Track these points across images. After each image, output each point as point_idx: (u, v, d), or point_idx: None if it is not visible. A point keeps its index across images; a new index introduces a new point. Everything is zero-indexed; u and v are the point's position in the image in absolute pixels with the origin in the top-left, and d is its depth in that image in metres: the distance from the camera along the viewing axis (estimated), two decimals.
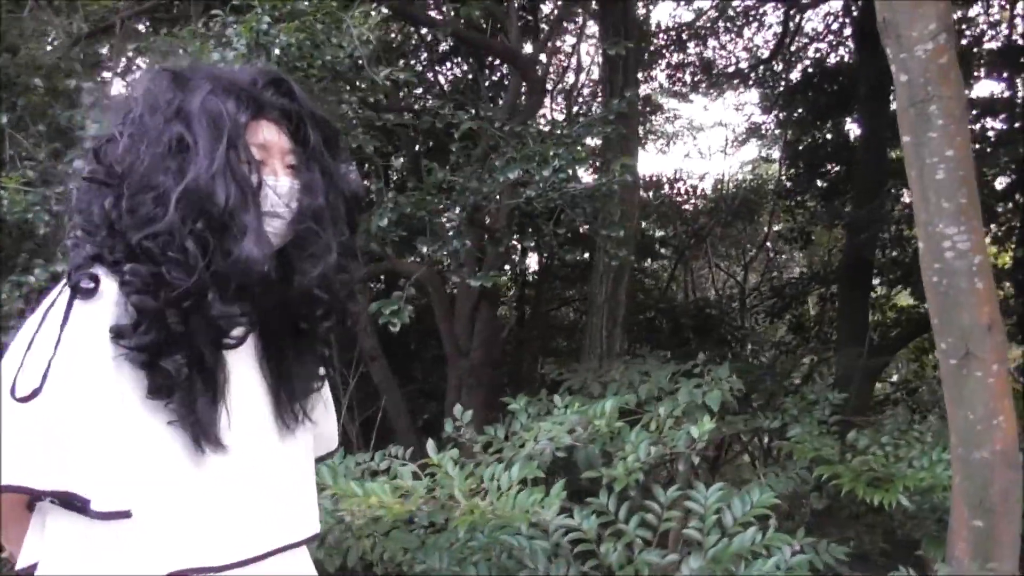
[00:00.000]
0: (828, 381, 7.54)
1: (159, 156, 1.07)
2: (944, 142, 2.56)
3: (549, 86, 12.23)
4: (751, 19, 11.92)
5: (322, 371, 1.29)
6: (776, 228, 10.76)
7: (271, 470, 1.18)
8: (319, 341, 1.25)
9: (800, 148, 9.41)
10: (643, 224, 12.59)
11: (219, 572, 1.08)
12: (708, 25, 12.60)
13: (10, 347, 1.06)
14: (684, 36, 12.77)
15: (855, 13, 8.66)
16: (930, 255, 2.70)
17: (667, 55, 13.23)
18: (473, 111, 3.96)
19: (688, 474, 2.91)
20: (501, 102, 5.87)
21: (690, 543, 2.68)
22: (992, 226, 9.06)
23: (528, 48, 6.46)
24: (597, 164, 6.91)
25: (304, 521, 1.22)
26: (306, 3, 2.73)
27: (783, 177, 10.04)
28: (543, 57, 7.70)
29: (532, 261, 10.12)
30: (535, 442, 2.91)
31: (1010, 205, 8.99)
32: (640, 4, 11.67)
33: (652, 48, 12.73)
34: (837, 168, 9.20)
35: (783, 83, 11.05)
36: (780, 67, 11.68)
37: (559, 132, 3.84)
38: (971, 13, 9.66)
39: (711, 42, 12.90)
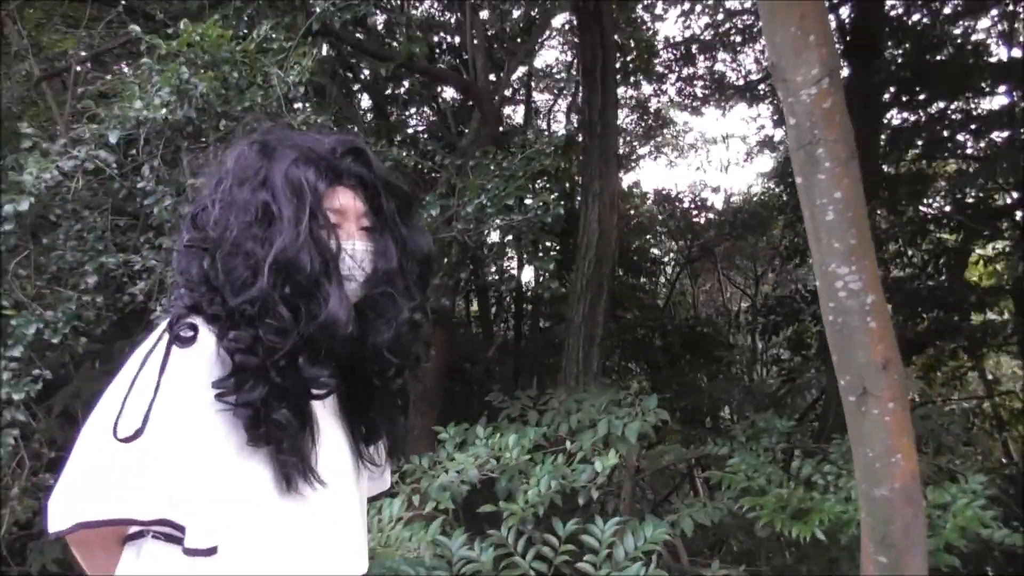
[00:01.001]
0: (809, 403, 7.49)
1: (246, 224, 1.17)
2: (832, 184, 2.59)
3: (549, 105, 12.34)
4: (754, 32, 11.91)
5: (398, 418, 1.37)
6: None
7: (349, 510, 1.27)
8: (396, 392, 1.33)
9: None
10: (649, 238, 12.66)
11: None
12: (716, 38, 12.62)
13: (107, 392, 1.14)
14: (693, 50, 12.81)
15: (847, 27, 8.62)
16: (825, 294, 2.73)
17: (676, 69, 13.28)
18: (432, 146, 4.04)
19: (591, 505, 2.96)
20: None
21: None
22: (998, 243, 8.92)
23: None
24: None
25: (363, 557, 1.31)
26: (227, 53, 2.88)
27: (781, 191, 9.99)
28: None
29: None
30: (447, 474, 2.99)
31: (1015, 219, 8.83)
32: (646, 18, 11.72)
33: (659, 62, 12.81)
34: None
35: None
36: None
37: (500, 165, 3.93)
38: (981, 25, 9.56)
39: (721, 55, 12.92)
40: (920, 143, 8.09)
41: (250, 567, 1.12)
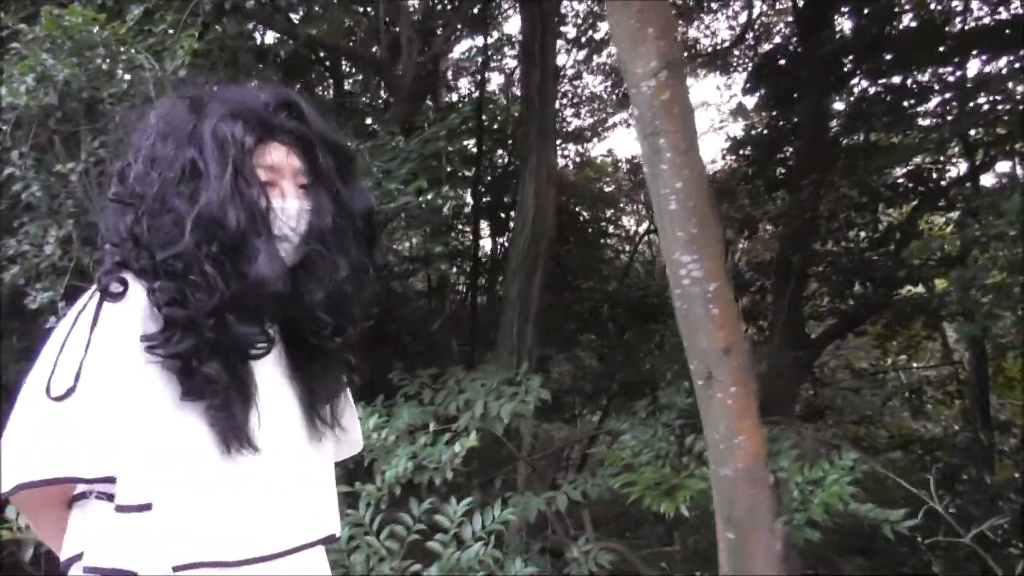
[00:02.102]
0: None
1: (171, 181, 1.14)
2: (673, 174, 2.64)
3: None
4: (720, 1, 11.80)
5: (346, 377, 1.35)
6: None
7: (297, 472, 1.23)
8: (336, 352, 1.29)
9: (752, 132, 9.35)
10: (623, 206, 12.67)
11: (235, 567, 1.13)
12: (689, 4, 12.51)
13: (43, 351, 1.12)
14: None
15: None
16: (673, 281, 2.80)
17: None
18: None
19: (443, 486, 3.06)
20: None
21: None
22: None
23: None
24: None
25: (322, 521, 1.27)
26: (97, 37, 2.89)
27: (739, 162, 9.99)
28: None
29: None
30: None
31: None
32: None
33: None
34: (791, 156, 9.13)
35: (750, 65, 10.95)
36: (751, 49, 11.59)
37: (395, 146, 3.96)
38: None
39: (695, 22, 12.81)
40: (872, 114, 8.06)
41: (188, 524, 1.10)
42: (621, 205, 12.87)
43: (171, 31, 3.22)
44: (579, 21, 11.32)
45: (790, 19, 11.71)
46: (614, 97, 14.61)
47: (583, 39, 11.70)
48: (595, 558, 3.06)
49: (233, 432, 1.13)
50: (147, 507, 1.09)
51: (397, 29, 5.80)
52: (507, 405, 3.33)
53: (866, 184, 7.83)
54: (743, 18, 12.10)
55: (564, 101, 13.30)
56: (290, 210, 1.19)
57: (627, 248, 12.14)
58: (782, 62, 9.83)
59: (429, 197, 3.74)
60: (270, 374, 1.22)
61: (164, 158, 1.15)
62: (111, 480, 1.08)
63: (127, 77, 2.94)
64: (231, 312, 1.12)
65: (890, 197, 7.45)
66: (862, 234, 7.88)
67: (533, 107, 6.58)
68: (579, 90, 13.78)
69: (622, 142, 19.36)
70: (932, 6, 8.86)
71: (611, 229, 12.54)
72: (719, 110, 15.06)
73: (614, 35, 2.69)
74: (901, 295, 7.22)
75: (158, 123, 1.20)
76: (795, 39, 9.36)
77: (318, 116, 1.26)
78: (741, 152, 9.39)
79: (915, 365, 11.11)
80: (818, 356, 7.97)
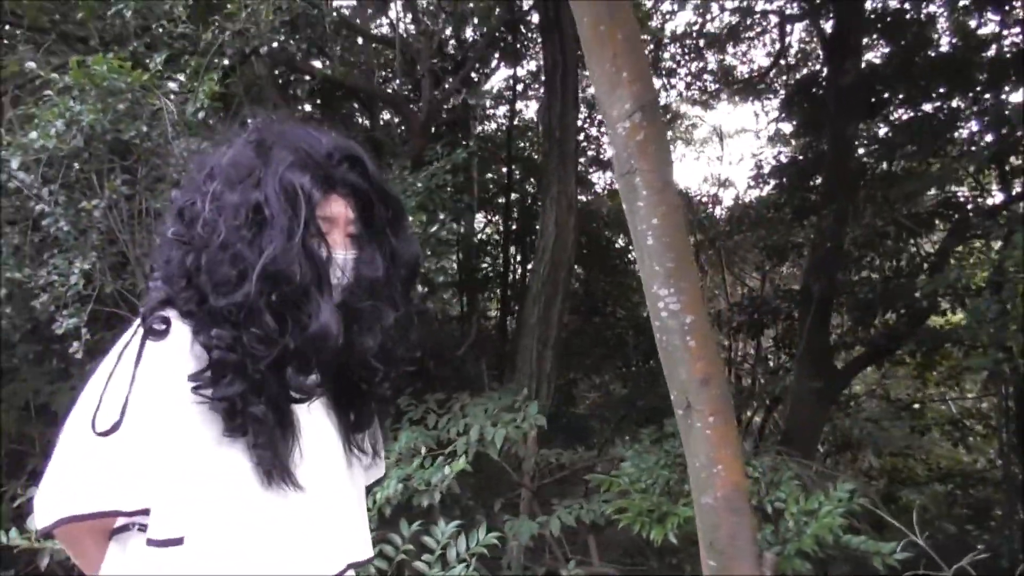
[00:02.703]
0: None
1: (236, 227, 1.15)
2: (649, 211, 2.74)
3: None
4: (757, 28, 11.85)
5: (382, 411, 1.42)
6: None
7: (334, 502, 1.28)
8: (382, 394, 1.35)
9: (784, 160, 9.34)
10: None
11: None
12: (724, 32, 12.59)
13: (87, 387, 1.15)
14: (701, 44, 12.80)
15: (827, 29, 8.56)
16: (652, 314, 2.89)
17: (685, 63, 13.26)
18: None
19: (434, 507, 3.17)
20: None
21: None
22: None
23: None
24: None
25: (355, 547, 1.32)
26: (122, 84, 3.14)
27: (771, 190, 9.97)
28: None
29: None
30: None
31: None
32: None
33: (667, 56, 12.82)
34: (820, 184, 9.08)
35: (783, 93, 10.95)
36: (785, 76, 11.59)
37: (405, 180, 4.13)
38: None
39: (730, 48, 12.89)
40: (899, 143, 8.00)
41: (223, 557, 1.12)
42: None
43: (194, 75, 3.46)
44: None
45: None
46: None
47: None
48: None
49: (276, 468, 1.16)
50: (178, 542, 1.12)
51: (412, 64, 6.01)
52: (500, 430, 3.44)
53: (891, 213, 7.75)
54: (780, 45, 12.12)
55: (603, 129, 13.47)
56: (347, 262, 1.24)
57: None
58: (814, 90, 9.83)
59: (434, 228, 3.90)
60: (312, 408, 1.26)
61: (230, 204, 1.17)
62: (149, 512, 1.12)
63: (148, 122, 3.18)
64: (288, 363, 1.15)
65: (913, 227, 7.36)
66: (886, 264, 7.80)
67: (554, 137, 6.74)
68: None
69: None
70: (973, 25, 8.74)
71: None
72: (757, 136, 15.06)
73: (592, 79, 2.82)
74: (928, 325, 7.11)
75: (226, 167, 1.22)
76: (824, 67, 9.35)
77: (376, 168, 1.29)
78: (771, 180, 9.37)
79: (969, 395, 10.85)
80: (846, 386, 7.87)
